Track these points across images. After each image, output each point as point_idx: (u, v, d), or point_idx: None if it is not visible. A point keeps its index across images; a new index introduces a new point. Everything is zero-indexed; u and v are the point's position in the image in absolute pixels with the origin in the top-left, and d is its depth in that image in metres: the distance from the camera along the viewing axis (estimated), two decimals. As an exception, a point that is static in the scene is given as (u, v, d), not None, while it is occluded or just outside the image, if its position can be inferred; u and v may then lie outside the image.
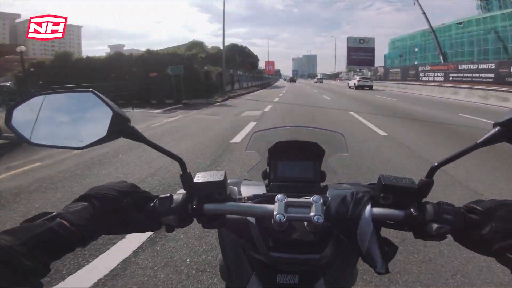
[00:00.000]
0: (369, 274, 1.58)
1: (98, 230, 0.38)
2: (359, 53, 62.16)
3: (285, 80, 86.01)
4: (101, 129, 0.40)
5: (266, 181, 0.60)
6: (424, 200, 0.42)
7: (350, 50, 63.56)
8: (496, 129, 0.38)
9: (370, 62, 62.16)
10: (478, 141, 0.39)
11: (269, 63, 73.16)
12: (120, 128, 0.41)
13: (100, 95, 0.41)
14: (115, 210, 0.40)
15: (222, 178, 0.44)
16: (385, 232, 0.42)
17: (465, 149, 0.39)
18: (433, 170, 0.40)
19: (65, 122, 0.42)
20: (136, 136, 0.42)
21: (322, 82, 55.89)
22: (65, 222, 0.34)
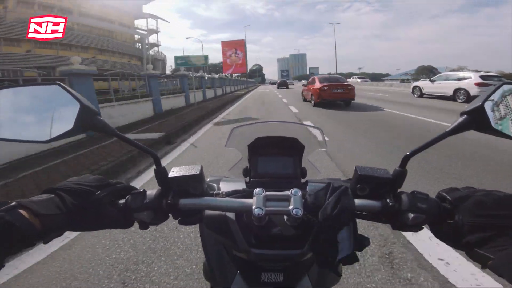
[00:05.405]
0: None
1: (64, 225, 0.36)
2: None
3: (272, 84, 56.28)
4: (68, 122, 0.38)
5: (247, 179, 0.59)
6: (399, 190, 0.43)
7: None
8: (463, 117, 0.40)
9: None
10: (446, 130, 0.40)
11: (236, 46, 31.99)
12: (88, 121, 0.39)
13: (67, 87, 0.40)
14: (85, 204, 0.38)
15: (198, 172, 0.43)
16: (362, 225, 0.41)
17: (434, 138, 0.40)
18: (405, 159, 0.41)
19: (30, 116, 0.41)
20: (106, 129, 0.40)
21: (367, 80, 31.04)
22: (25, 214, 0.32)
